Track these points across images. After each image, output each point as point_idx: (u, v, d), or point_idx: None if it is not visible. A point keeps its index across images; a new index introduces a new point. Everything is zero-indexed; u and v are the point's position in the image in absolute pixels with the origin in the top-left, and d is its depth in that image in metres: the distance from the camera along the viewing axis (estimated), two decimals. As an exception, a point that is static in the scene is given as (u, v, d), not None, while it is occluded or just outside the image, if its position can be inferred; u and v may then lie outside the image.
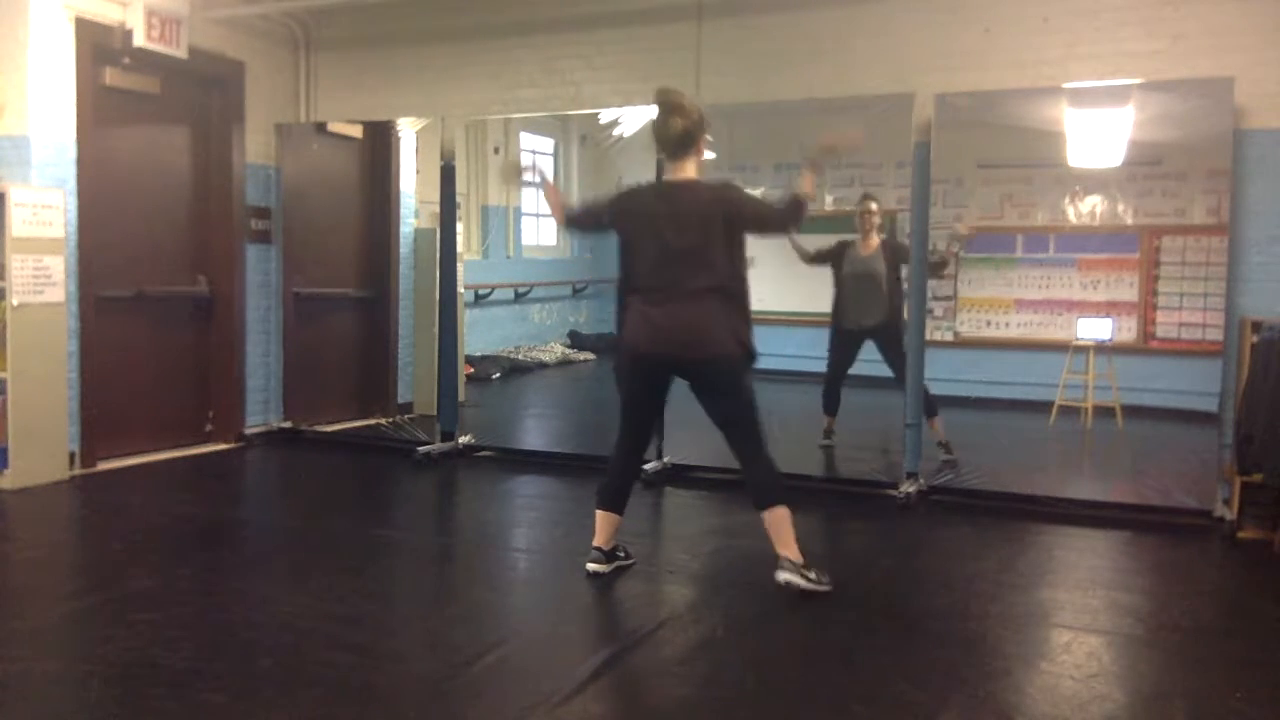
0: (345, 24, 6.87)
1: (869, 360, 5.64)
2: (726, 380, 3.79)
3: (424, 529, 5.04)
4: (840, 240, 5.62)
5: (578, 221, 4.19)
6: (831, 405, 5.73)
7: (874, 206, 5.55)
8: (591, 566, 3.90)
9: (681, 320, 3.72)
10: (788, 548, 3.72)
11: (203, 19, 6.19)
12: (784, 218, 3.83)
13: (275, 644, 3.21)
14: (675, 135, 3.78)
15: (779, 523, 3.74)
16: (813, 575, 3.71)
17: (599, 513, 3.95)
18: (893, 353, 5.51)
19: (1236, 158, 4.90)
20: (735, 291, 3.78)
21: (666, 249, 3.74)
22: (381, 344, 7.15)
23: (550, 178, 4.43)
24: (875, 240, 5.58)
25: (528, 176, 4.87)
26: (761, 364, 6.00)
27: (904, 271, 5.49)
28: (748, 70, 5.89)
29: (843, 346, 5.68)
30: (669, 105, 3.80)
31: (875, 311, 5.57)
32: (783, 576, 3.69)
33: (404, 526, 5.02)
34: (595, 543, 3.93)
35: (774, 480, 3.80)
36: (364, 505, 5.38)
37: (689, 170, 3.84)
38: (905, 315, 5.47)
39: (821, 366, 5.71)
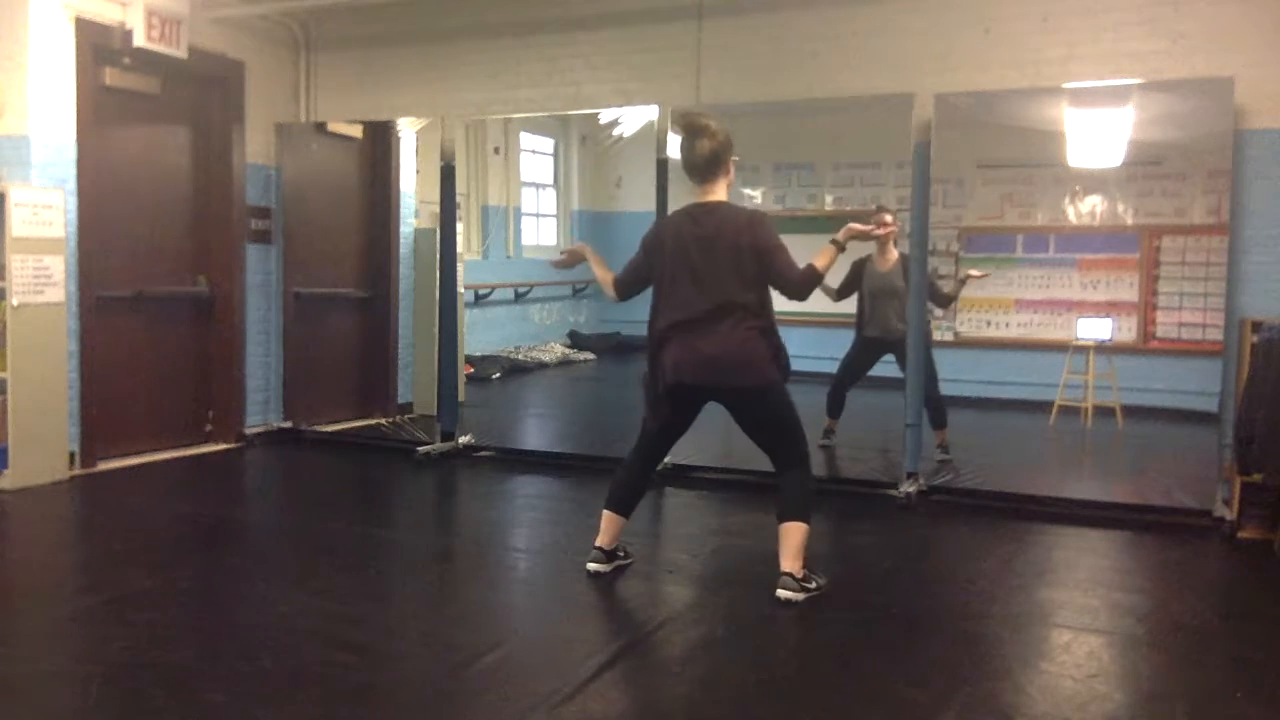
0: (345, 24, 6.87)
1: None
2: (762, 406, 3.77)
3: (424, 529, 5.04)
4: (855, 262, 5.41)
5: (628, 285, 3.99)
6: (835, 408, 5.69)
7: (889, 219, 5.25)
8: (592, 566, 3.91)
9: (720, 347, 3.67)
10: (794, 563, 3.68)
11: (203, 19, 6.19)
12: (798, 287, 3.71)
13: (275, 644, 3.21)
14: (703, 158, 3.73)
15: (793, 536, 3.71)
16: (812, 585, 3.70)
17: (605, 513, 3.95)
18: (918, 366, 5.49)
19: (1236, 158, 4.90)
20: (765, 317, 3.73)
21: (697, 273, 3.70)
22: (381, 344, 7.15)
23: (591, 253, 4.13)
24: (894, 254, 5.44)
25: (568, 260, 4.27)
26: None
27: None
28: (748, 70, 5.89)
29: (862, 353, 5.61)
30: (694, 128, 3.74)
31: (898, 326, 5.48)
32: (783, 594, 3.64)
33: (404, 526, 5.02)
34: (598, 542, 3.94)
35: (806, 498, 3.78)
36: (364, 505, 5.38)
37: (719, 193, 3.79)
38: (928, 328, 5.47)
39: (825, 366, 5.69)
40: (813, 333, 5.75)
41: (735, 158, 3.85)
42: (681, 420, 3.92)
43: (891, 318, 5.50)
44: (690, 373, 3.71)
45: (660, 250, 3.82)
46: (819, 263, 3.70)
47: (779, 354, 3.78)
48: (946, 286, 5.44)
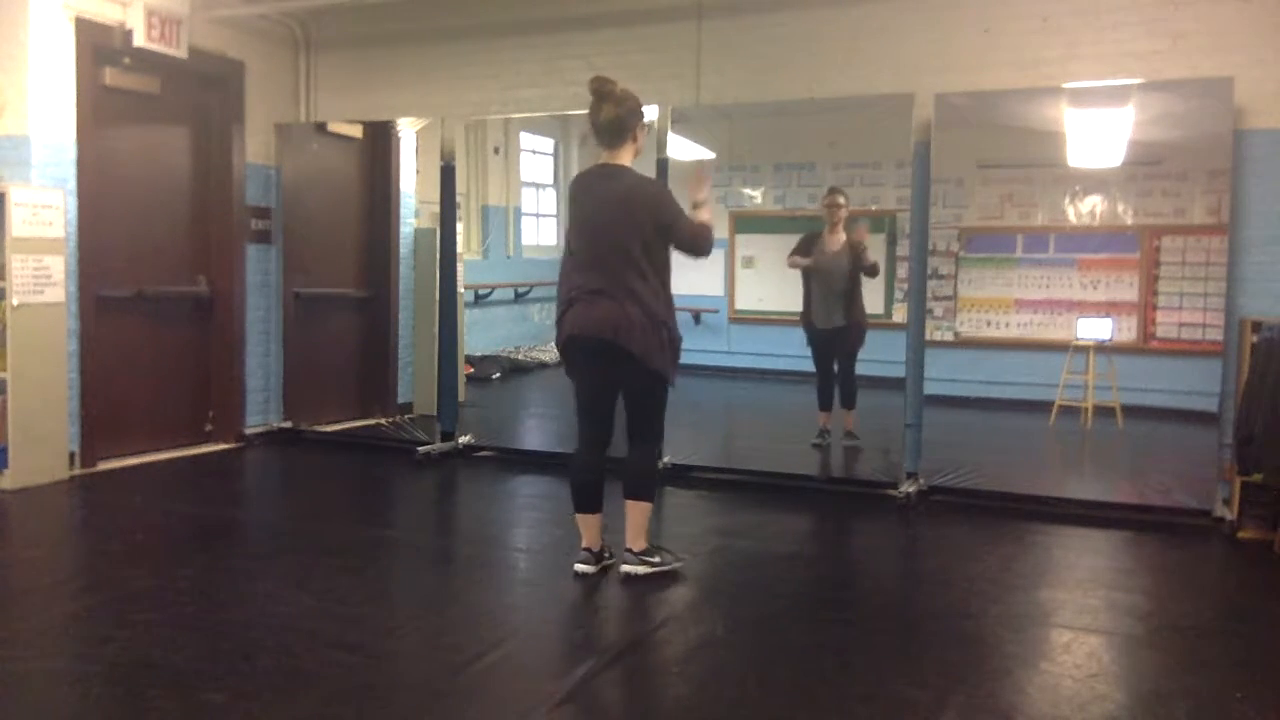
0: (345, 24, 6.87)
1: (870, 360, 5.64)
2: (645, 375, 3.82)
3: (424, 529, 5.04)
4: (808, 233, 5.71)
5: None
6: (826, 401, 5.80)
7: (841, 200, 5.62)
8: (579, 568, 3.92)
9: (606, 308, 3.75)
10: (637, 540, 3.87)
11: (203, 19, 6.19)
12: (694, 243, 3.83)
13: (275, 644, 3.21)
14: (605, 122, 3.84)
15: (636, 514, 3.87)
16: (655, 559, 3.89)
17: (579, 516, 3.97)
18: (848, 351, 5.67)
19: (1236, 158, 4.90)
20: (654, 290, 3.79)
21: (594, 235, 3.82)
22: (381, 344, 7.15)
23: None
24: (842, 236, 5.66)
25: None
26: (761, 364, 6.10)
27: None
28: (748, 70, 5.88)
29: (820, 344, 5.79)
30: (600, 93, 3.85)
31: (840, 310, 5.67)
32: (625, 568, 3.86)
33: (404, 526, 5.02)
34: (584, 544, 3.96)
35: (650, 477, 3.99)
36: (364, 505, 5.38)
37: (623, 158, 3.90)
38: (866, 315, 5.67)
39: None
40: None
41: (644, 126, 3.95)
42: (602, 380, 3.90)
43: (836, 300, 5.66)
44: (579, 326, 3.81)
45: (572, 206, 3.94)
46: (702, 216, 3.86)
47: (673, 345, 3.85)
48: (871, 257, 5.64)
